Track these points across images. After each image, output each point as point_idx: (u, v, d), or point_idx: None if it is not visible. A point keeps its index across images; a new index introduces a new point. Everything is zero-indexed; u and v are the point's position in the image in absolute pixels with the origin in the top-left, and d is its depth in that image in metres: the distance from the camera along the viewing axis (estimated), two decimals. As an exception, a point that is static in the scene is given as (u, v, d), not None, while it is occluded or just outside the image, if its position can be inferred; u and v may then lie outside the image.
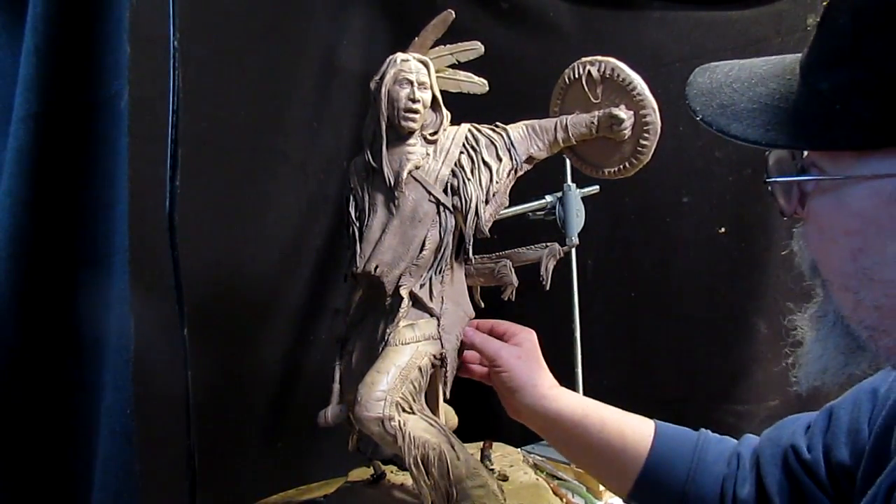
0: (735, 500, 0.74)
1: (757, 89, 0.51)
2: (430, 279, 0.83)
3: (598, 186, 1.17)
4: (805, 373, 0.55)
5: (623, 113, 0.83)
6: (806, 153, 0.49)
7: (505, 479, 0.99)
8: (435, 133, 0.84)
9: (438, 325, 0.83)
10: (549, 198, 1.16)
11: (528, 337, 0.85)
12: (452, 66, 0.87)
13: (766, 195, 0.53)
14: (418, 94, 0.81)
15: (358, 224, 0.84)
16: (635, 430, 0.80)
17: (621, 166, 0.87)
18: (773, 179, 0.52)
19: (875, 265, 0.46)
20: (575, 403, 0.82)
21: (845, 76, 0.45)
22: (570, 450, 0.86)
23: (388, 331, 0.81)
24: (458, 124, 0.86)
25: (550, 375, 0.84)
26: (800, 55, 0.50)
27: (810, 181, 0.49)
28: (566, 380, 1.19)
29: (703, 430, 0.81)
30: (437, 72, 0.84)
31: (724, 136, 0.50)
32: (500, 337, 0.87)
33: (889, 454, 0.59)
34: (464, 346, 0.85)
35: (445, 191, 0.82)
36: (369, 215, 0.83)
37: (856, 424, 0.66)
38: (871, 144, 0.44)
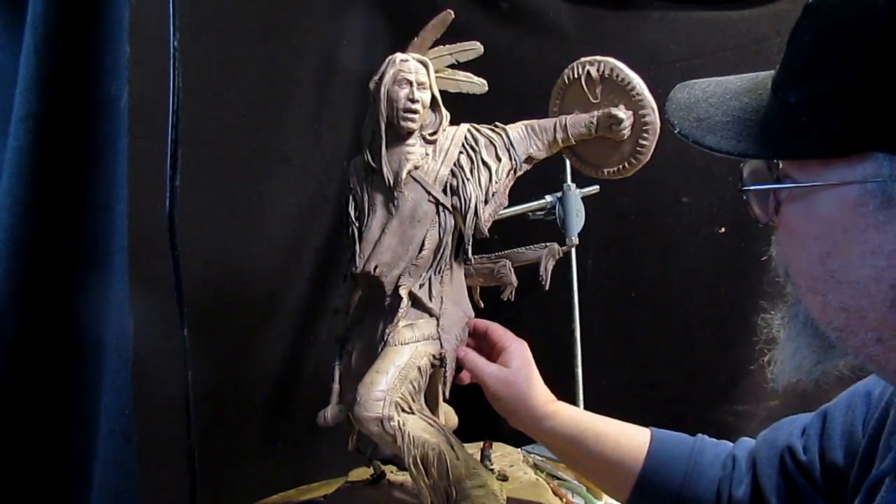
0: (731, 501, 0.75)
1: (731, 103, 0.54)
2: (430, 279, 0.83)
3: (597, 186, 1.17)
4: (780, 370, 0.57)
5: (622, 113, 0.83)
6: (780, 165, 0.51)
7: (505, 479, 1.00)
8: (434, 133, 0.84)
9: (438, 325, 0.83)
10: (548, 198, 1.16)
11: (519, 352, 0.85)
12: (452, 66, 0.87)
13: (743, 204, 0.55)
14: (417, 95, 0.81)
15: (357, 224, 0.84)
16: (630, 439, 0.81)
17: (621, 166, 0.87)
18: (746, 188, 0.55)
19: (841, 267, 0.48)
20: (570, 419, 0.83)
21: (811, 90, 0.47)
22: (568, 461, 0.89)
23: (387, 331, 0.81)
24: (458, 124, 0.86)
25: (544, 391, 0.85)
26: (772, 72, 0.53)
27: (784, 190, 0.51)
28: (566, 380, 1.20)
29: (699, 435, 0.82)
30: (436, 72, 0.84)
31: (699, 147, 0.53)
32: (492, 345, 0.87)
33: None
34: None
35: (445, 191, 0.82)
36: (369, 215, 0.83)
37: (850, 427, 0.67)
38: (836, 153, 0.46)
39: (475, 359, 0.84)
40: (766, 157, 0.52)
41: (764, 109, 0.51)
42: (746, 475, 0.75)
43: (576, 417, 0.84)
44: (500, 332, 0.88)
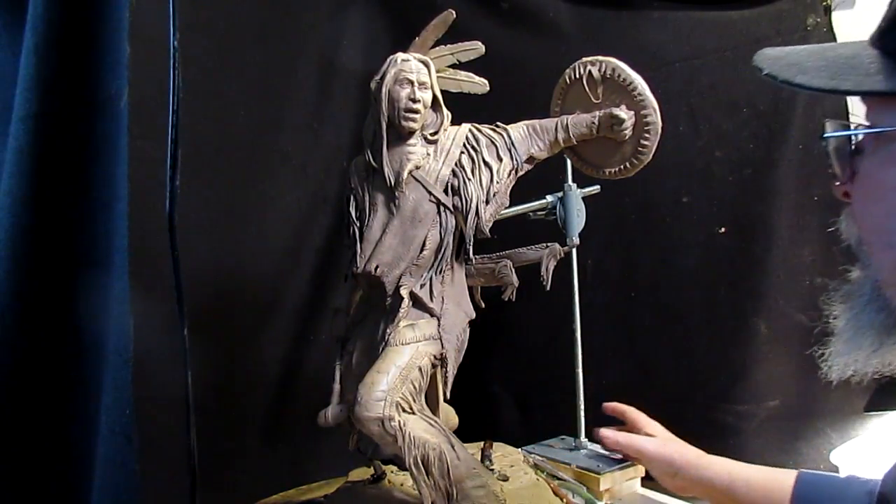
0: None
1: (825, 54, 0.55)
2: (431, 279, 0.83)
3: (598, 186, 1.17)
4: (837, 356, 0.56)
5: (624, 113, 0.83)
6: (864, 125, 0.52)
7: (505, 479, 0.99)
8: (435, 133, 0.84)
9: (439, 326, 0.82)
10: (549, 198, 1.16)
11: (657, 427, 1.04)
12: (453, 66, 0.87)
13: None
14: (419, 94, 0.81)
15: (358, 224, 0.84)
16: (776, 485, 0.85)
17: (622, 166, 0.87)
18: (828, 135, 0.55)
19: None
20: (721, 469, 0.92)
21: None
22: None
23: (388, 331, 0.81)
24: (459, 124, 0.86)
25: (692, 449, 0.98)
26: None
27: (863, 152, 0.51)
28: (566, 380, 1.20)
29: (851, 475, 0.83)
30: (437, 72, 0.84)
31: (788, 85, 0.53)
32: (628, 423, 1.06)
33: None
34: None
35: (446, 191, 0.82)
36: (370, 215, 0.83)
37: None
38: None
39: (634, 438, 0.99)
40: (857, 93, 0.53)
41: (859, 59, 0.52)
42: None
43: (727, 467, 0.91)
44: (636, 414, 1.06)
